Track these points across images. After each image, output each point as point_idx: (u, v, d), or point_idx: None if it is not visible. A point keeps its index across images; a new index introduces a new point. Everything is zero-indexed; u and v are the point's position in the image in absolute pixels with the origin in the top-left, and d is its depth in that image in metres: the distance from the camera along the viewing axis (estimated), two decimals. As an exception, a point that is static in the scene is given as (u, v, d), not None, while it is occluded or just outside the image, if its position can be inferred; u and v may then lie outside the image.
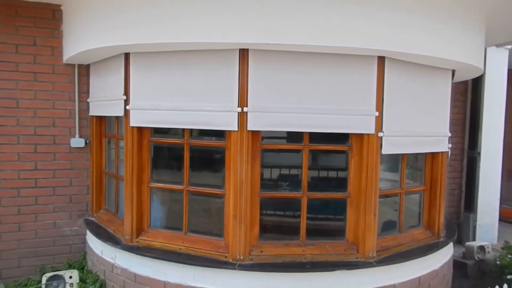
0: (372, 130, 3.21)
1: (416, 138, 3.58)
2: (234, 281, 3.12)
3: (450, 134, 3.96)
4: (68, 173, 4.34)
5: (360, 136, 3.25)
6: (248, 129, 3.09)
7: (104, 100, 3.87)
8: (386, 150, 3.30)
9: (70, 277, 3.66)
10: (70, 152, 4.34)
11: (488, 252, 5.15)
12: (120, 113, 3.54)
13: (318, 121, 3.14)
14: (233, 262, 3.13)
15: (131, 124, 3.46)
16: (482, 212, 6.11)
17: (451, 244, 4.01)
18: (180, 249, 3.34)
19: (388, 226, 3.68)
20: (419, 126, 3.59)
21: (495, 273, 4.86)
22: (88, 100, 4.28)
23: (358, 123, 3.20)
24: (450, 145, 4.06)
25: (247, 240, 3.16)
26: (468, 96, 6.19)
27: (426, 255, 3.55)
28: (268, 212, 3.43)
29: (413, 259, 3.44)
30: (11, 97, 4.11)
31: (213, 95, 3.15)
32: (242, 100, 3.08)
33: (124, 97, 3.48)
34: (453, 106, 6.03)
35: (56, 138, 4.29)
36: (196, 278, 3.19)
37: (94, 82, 4.20)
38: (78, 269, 4.00)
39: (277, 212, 3.50)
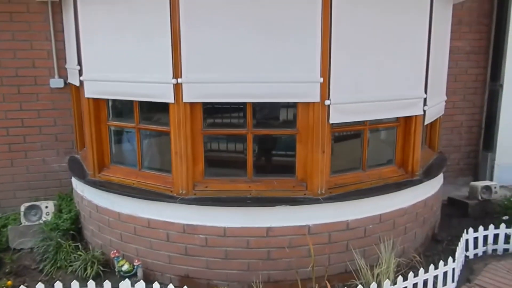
0: (317, 98, 2.97)
1: (375, 104, 3.23)
2: (176, 214, 3.16)
3: (425, 95, 3.48)
4: (51, 113, 4.52)
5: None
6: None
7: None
8: (334, 119, 3.05)
9: (46, 207, 3.93)
10: (51, 92, 4.48)
11: (495, 192, 4.72)
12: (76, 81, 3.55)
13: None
14: (176, 196, 3.14)
15: (86, 96, 3.49)
16: (502, 151, 5.55)
17: (430, 182, 3.69)
18: (133, 183, 3.41)
19: (351, 163, 3.45)
20: (381, 87, 3.23)
21: (498, 213, 4.49)
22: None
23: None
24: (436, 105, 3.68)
25: (189, 175, 3.13)
26: (493, 18, 5.37)
27: (388, 192, 3.32)
28: (215, 149, 3.35)
29: (370, 196, 3.23)
30: (-12, 40, 4.24)
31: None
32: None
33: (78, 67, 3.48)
34: (474, 31, 5.39)
35: (37, 79, 4.43)
36: (144, 210, 3.27)
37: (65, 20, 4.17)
38: (67, 201, 4.28)
39: (225, 149, 3.40)
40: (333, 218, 3.16)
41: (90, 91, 3.45)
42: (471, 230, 3.62)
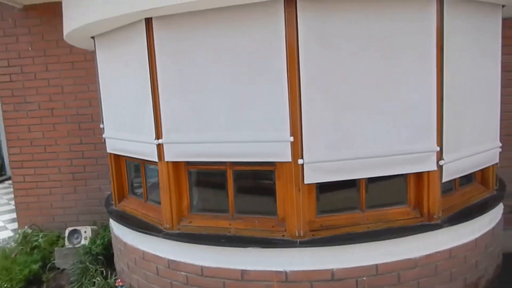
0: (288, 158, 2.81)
1: (365, 161, 2.86)
2: (162, 248, 3.22)
3: (437, 148, 2.93)
4: (104, 146, 5.08)
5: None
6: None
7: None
8: (311, 179, 2.81)
9: (85, 232, 4.41)
10: (104, 128, 5.07)
11: None
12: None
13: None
14: (163, 230, 3.23)
15: (108, 151, 3.85)
16: None
17: (461, 228, 3.04)
18: (138, 215, 3.61)
19: (346, 203, 3.07)
20: (372, 141, 2.85)
21: None
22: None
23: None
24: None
25: (174, 210, 3.18)
26: None
27: (386, 238, 2.86)
28: (200, 185, 3.34)
29: (360, 242, 2.83)
30: (56, 85, 5.04)
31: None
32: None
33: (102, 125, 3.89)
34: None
35: (93, 116, 5.08)
36: (141, 242, 3.41)
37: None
38: (105, 227, 4.74)
39: (209, 185, 3.36)
40: (313, 265, 2.84)
41: (109, 148, 3.87)
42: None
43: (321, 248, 2.84)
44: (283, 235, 2.90)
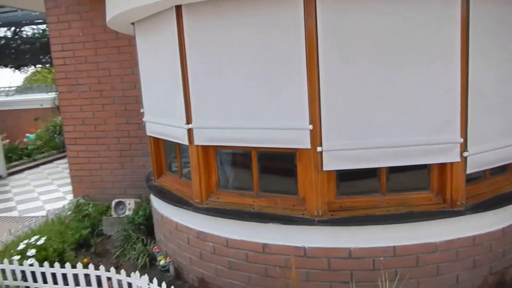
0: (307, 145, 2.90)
1: (386, 150, 2.89)
2: (192, 220, 3.49)
3: (461, 140, 2.89)
4: (148, 125, 5.45)
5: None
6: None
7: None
8: (330, 166, 2.89)
9: (129, 203, 4.80)
10: (148, 108, 5.40)
11: None
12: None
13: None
14: (193, 204, 3.47)
15: (147, 133, 4.13)
16: None
17: (484, 216, 3.00)
18: (173, 189, 3.89)
19: (367, 186, 3.13)
20: (393, 131, 2.88)
21: None
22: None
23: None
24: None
25: (203, 187, 3.41)
26: None
27: (405, 222, 2.90)
28: (228, 164, 3.52)
29: (378, 224, 2.90)
30: (105, 68, 5.43)
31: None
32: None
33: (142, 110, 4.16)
34: None
35: (138, 98, 5.40)
36: (174, 214, 3.72)
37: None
38: (147, 200, 5.10)
39: (237, 165, 3.53)
40: (330, 243, 2.95)
41: (148, 131, 4.14)
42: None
43: (338, 228, 2.94)
44: (303, 214, 3.03)
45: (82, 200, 5.61)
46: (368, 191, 3.08)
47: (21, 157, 11.24)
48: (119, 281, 3.23)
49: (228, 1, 2.97)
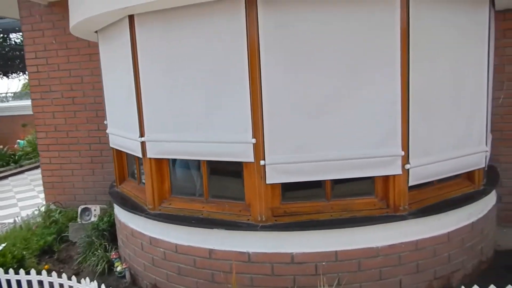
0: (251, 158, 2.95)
1: (326, 164, 2.93)
2: (145, 226, 3.52)
3: (402, 153, 2.93)
4: (118, 132, 5.49)
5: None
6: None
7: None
8: (273, 179, 2.94)
9: (95, 210, 4.83)
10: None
11: None
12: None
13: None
14: (147, 210, 3.50)
15: (110, 145, 4.18)
16: None
17: (429, 220, 3.04)
18: (132, 196, 3.93)
19: (313, 191, 3.16)
20: (333, 145, 2.92)
21: None
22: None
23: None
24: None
25: (155, 194, 3.44)
26: None
27: (344, 227, 2.93)
28: (181, 171, 3.56)
29: (317, 229, 2.93)
30: (77, 75, 5.49)
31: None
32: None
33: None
34: None
35: (109, 104, 5.46)
36: (130, 220, 3.75)
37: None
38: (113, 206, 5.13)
39: (188, 172, 3.57)
40: (273, 248, 2.98)
41: (111, 142, 4.21)
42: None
43: (281, 233, 2.97)
44: (248, 219, 3.06)
45: (53, 206, 5.62)
46: (313, 197, 3.12)
47: (8, 163, 11.27)
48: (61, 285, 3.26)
49: (176, 12, 3.01)
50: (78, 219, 4.90)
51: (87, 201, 5.63)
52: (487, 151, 3.42)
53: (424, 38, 2.92)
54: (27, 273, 3.44)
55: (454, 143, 3.20)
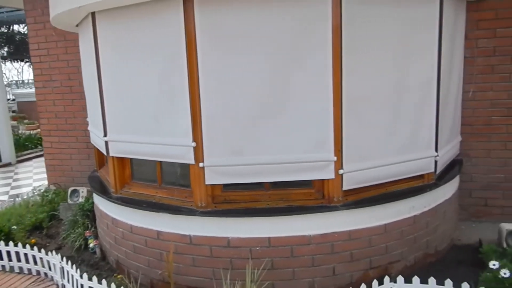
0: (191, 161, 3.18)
1: (262, 167, 3.08)
2: (110, 208, 3.82)
3: (334, 158, 3.02)
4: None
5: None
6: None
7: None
8: (212, 180, 3.13)
9: (82, 191, 5.21)
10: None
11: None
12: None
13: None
14: (110, 194, 3.80)
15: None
16: None
17: (362, 212, 3.13)
18: (104, 180, 4.25)
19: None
20: (269, 149, 3.07)
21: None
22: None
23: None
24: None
25: (117, 180, 3.72)
26: None
27: (278, 215, 3.08)
28: (140, 160, 3.81)
29: (252, 216, 3.11)
30: (74, 65, 5.85)
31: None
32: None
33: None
34: None
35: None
36: (100, 202, 4.06)
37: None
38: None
39: (147, 161, 3.80)
40: (212, 232, 3.19)
41: (91, 139, 4.59)
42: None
43: (220, 219, 3.17)
44: (191, 205, 3.28)
45: (53, 187, 6.09)
46: (253, 186, 3.28)
47: (36, 146, 12.01)
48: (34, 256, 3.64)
49: (130, 8, 3.19)
50: (68, 200, 5.30)
51: (84, 183, 6.03)
52: (436, 156, 3.43)
53: (360, 38, 2.94)
54: (7, 245, 3.86)
55: (396, 148, 3.24)
